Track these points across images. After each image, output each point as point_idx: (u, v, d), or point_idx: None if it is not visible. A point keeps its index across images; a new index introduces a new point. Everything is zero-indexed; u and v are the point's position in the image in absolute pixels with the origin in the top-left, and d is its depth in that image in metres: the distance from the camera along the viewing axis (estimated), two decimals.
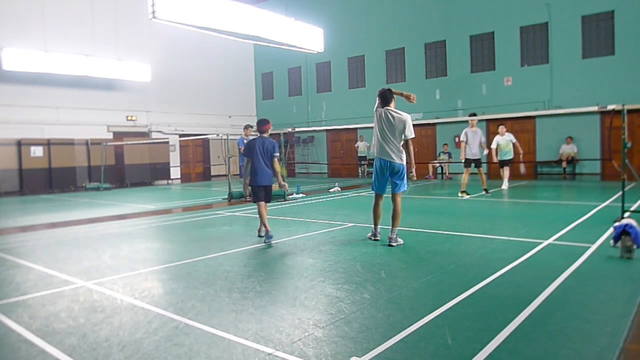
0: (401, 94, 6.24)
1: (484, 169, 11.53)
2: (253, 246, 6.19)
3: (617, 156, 10.48)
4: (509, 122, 16.81)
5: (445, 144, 18.42)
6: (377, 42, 20.76)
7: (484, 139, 11.37)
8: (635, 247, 4.85)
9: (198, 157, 23.95)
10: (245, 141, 10.57)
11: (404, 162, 5.91)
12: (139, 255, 5.83)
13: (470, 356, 2.69)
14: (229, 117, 23.85)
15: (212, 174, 24.01)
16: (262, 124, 7.07)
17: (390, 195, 6.02)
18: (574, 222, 7.03)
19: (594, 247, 5.39)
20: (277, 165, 6.81)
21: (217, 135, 16.42)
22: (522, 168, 13.07)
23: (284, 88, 24.82)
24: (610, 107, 7.48)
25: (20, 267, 5.35)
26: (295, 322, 3.32)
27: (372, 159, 7.06)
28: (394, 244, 5.83)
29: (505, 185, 12.84)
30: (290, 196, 12.15)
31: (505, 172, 12.90)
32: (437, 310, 3.44)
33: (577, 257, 4.90)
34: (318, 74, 23.27)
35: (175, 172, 21.90)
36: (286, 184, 6.93)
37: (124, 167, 19.28)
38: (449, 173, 18.02)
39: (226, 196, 12.50)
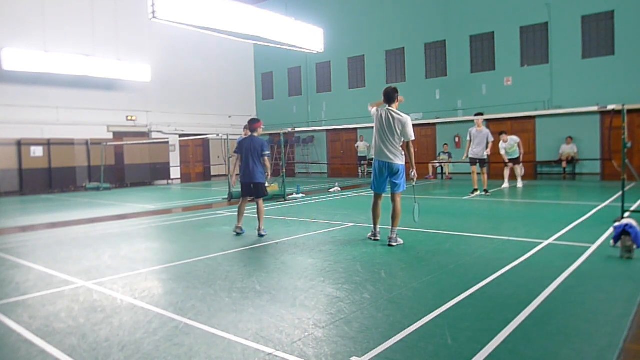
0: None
1: (487, 169, 11.55)
2: (253, 246, 6.19)
3: (617, 156, 10.48)
4: (509, 122, 16.85)
5: (445, 144, 18.41)
6: (377, 42, 20.76)
7: (491, 139, 11.32)
8: (635, 247, 4.85)
9: (198, 157, 23.96)
10: None
11: (403, 163, 5.90)
12: (139, 255, 5.83)
13: (470, 356, 2.69)
14: (229, 117, 23.85)
15: (212, 174, 24.01)
16: (252, 122, 7.25)
17: (390, 195, 6.02)
18: (574, 222, 7.03)
19: (594, 247, 5.39)
20: (268, 163, 7.03)
21: (217, 135, 16.45)
22: (520, 169, 13.40)
23: (284, 88, 24.82)
24: (610, 107, 7.47)
25: (20, 267, 5.35)
26: (295, 322, 3.32)
27: (372, 159, 7.06)
28: (394, 244, 5.82)
29: (520, 183, 13.33)
30: (290, 196, 12.16)
31: (518, 170, 13.33)
32: (437, 310, 3.44)
33: (577, 257, 4.90)
34: (318, 74, 23.27)
35: (175, 172, 21.90)
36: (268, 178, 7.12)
37: (124, 167, 19.28)
38: (449, 173, 18.01)
39: (226, 196, 12.51)
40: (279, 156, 23.41)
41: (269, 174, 7.06)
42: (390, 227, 5.92)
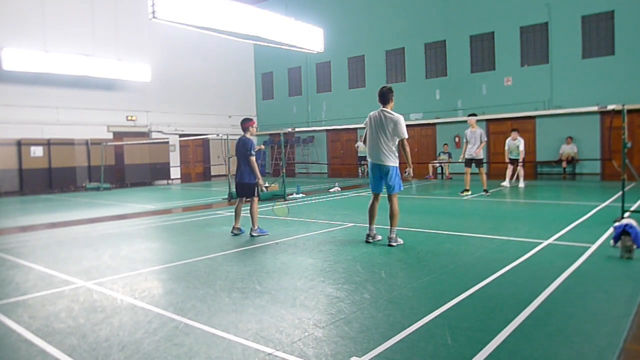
0: None
1: (485, 168, 11.55)
2: (253, 246, 6.19)
3: (617, 156, 10.49)
4: (509, 122, 16.85)
5: (445, 144, 18.42)
6: (377, 42, 20.76)
7: (485, 138, 11.35)
8: (635, 247, 4.85)
9: (198, 157, 23.96)
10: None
11: (395, 164, 5.84)
12: (139, 255, 5.83)
13: (470, 356, 2.69)
14: (229, 117, 23.85)
15: (212, 174, 24.02)
16: (243, 122, 7.22)
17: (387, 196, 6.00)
18: (574, 222, 7.03)
19: (594, 247, 5.39)
20: (253, 163, 6.92)
21: (217, 135, 16.44)
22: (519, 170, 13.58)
23: (284, 88, 24.82)
24: (610, 107, 7.48)
25: (20, 267, 5.35)
26: (295, 322, 3.32)
27: None
28: (393, 244, 5.82)
29: (522, 183, 13.35)
30: (290, 196, 12.16)
31: (520, 170, 13.39)
32: (437, 310, 3.44)
33: (577, 257, 4.90)
34: (318, 74, 23.27)
35: (175, 172, 21.90)
36: (260, 181, 7.02)
37: (124, 167, 19.28)
38: (449, 173, 18.01)
39: (226, 196, 12.51)
40: (279, 156, 23.42)
41: (258, 175, 6.89)
42: (389, 227, 5.92)
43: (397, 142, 5.86)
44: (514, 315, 3.29)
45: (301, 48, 14.58)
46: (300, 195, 12.63)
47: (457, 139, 18.55)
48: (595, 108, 8.20)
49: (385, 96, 5.91)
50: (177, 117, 22.22)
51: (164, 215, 9.82)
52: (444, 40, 18.86)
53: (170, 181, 21.21)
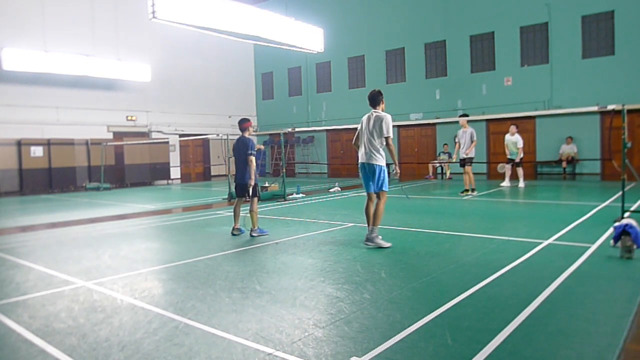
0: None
1: (472, 168, 11.52)
2: (253, 246, 6.19)
3: (617, 156, 10.49)
4: (509, 122, 16.82)
5: (445, 144, 18.40)
6: (377, 42, 20.76)
7: (475, 138, 11.31)
8: (635, 247, 4.85)
9: (198, 157, 23.96)
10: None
11: (382, 163, 5.85)
12: (139, 255, 5.83)
13: (470, 356, 2.69)
14: (229, 117, 23.84)
15: (212, 174, 24.02)
16: (241, 122, 7.22)
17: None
18: (574, 222, 7.03)
19: (594, 247, 5.39)
20: (251, 163, 6.91)
21: (217, 135, 16.45)
22: (503, 167, 13.50)
23: (284, 88, 24.81)
24: (610, 107, 7.48)
25: (20, 267, 5.35)
26: (295, 322, 3.32)
27: None
28: (369, 244, 5.73)
29: (521, 183, 13.25)
30: (290, 196, 12.16)
31: (519, 171, 13.29)
32: (437, 310, 3.44)
33: (577, 257, 4.90)
34: (318, 74, 23.26)
35: (175, 172, 21.90)
36: (252, 182, 6.98)
37: (124, 167, 19.28)
38: (450, 173, 18.00)
39: (226, 196, 12.52)
40: (279, 156, 23.42)
41: (252, 176, 6.86)
42: (371, 226, 5.83)
43: (383, 142, 5.85)
44: (514, 315, 3.29)
45: (301, 48, 14.58)
46: (300, 195, 12.63)
47: (457, 139, 18.54)
48: (595, 108, 8.20)
49: (375, 99, 5.97)
50: (177, 117, 22.23)
51: (164, 215, 9.82)
52: (444, 40, 18.86)
53: (170, 181, 21.21)
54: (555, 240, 5.87)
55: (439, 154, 18.48)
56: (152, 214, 9.97)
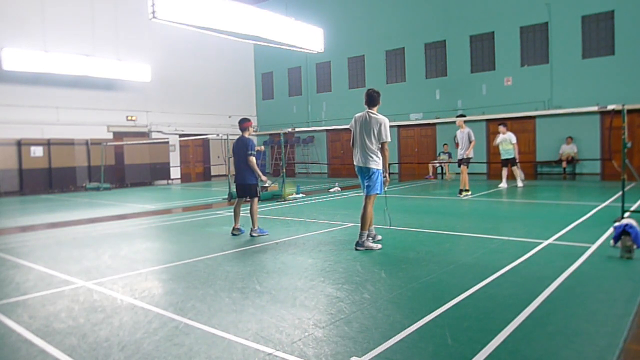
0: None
1: (467, 168, 11.50)
2: (253, 246, 6.19)
3: (617, 156, 10.47)
4: (509, 122, 16.83)
5: (445, 144, 18.39)
6: (377, 42, 20.76)
7: (472, 138, 11.29)
8: (635, 247, 4.85)
9: (198, 157, 23.96)
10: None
11: (379, 167, 5.74)
12: (139, 255, 5.83)
13: (470, 356, 2.69)
14: (229, 117, 23.84)
15: (212, 174, 24.02)
16: (241, 122, 7.20)
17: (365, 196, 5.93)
18: (574, 222, 7.03)
19: (594, 247, 5.39)
20: (252, 163, 6.94)
21: (217, 135, 16.45)
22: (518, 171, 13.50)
23: (284, 88, 24.82)
24: (610, 107, 7.47)
25: (20, 267, 5.35)
26: (295, 322, 3.32)
27: None
28: (359, 248, 5.64)
29: (520, 183, 13.23)
30: (290, 196, 12.16)
31: (515, 170, 13.26)
32: (437, 310, 3.44)
33: (577, 257, 4.90)
34: (318, 74, 23.26)
35: (175, 172, 21.90)
36: (264, 178, 7.20)
37: (124, 167, 19.28)
38: (449, 173, 18.00)
39: (226, 196, 12.52)
40: (279, 156, 23.42)
41: (259, 174, 7.00)
42: (359, 231, 5.76)
43: (380, 145, 5.73)
44: (514, 315, 3.29)
45: (301, 48, 14.58)
46: (300, 195, 12.63)
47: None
48: (595, 108, 8.19)
49: (374, 99, 5.82)
50: (177, 117, 22.22)
51: (164, 215, 9.82)
52: (444, 40, 18.86)
53: (170, 181, 21.21)
54: (555, 240, 5.87)
55: (439, 154, 18.48)
56: (152, 214, 9.97)
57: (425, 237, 6.43)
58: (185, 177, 23.00)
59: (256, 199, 7.03)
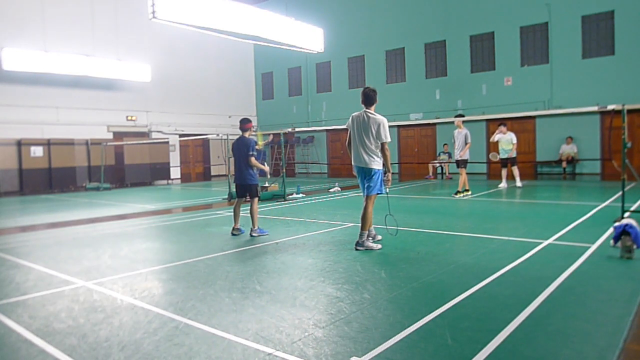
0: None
1: (465, 169, 11.48)
2: (253, 246, 6.19)
3: (617, 156, 10.48)
4: (509, 122, 16.84)
5: (445, 144, 18.40)
6: (377, 42, 20.76)
7: (469, 140, 11.28)
8: (635, 247, 4.85)
9: (198, 157, 23.95)
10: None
11: (379, 167, 5.71)
12: (139, 255, 5.83)
13: (470, 356, 2.69)
14: (229, 117, 23.84)
15: (212, 174, 24.01)
16: (242, 123, 7.22)
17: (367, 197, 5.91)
18: (574, 222, 7.03)
19: (594, 247, 5.39)
20: (254, 163, 7.00)
21: (217, 135, 16.45)
22: (495, 156, 13.33)
23: (284, 88, 24.81)
24: (610, 107, 7.48)
25: (20, 267, 5.35)
26: (295, 322, 3.32)
27: None
28: (360, 248, 5.64)
29: (519, 183, 13.20)
30: (290, 196, 12.16)
31: (515, 170, 13.23)
32: (437, 310, 3.44)
33: (577, 257, 4.90)
34: (318, 74, 23.26)
35: (175, 172, 21.90)
36: (266, 167, 7.56)
37: (124, 167, 19.28)
38: (449, 173, 18.01)
39: (226, 196, 12.52)
40: (279, 156, 23.41)
41: (261, 167, 7.22)
42: (359, 231, 5.75)
43: (379, 145, 5.70)
44: (514, 315, 3.29)
45: (301, 48, 14.58)
46: (300, 195, 12.63)
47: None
48: (595, 108, 8.19)
49: (371, 98, 5.76)
50: (177, 117, 22.22)
51: (164, 215, 9.82)
52: (444, 40, 18.85)
53: (170, 181, 21.21)
54: (555, 240, 5.87)
55: (439, 154, 18.48)
56: (152, 214, 9.97)
57: (425, 237, 6.43)
58: (185, 177, 23.00)
59: (256, 199, 7.03)
